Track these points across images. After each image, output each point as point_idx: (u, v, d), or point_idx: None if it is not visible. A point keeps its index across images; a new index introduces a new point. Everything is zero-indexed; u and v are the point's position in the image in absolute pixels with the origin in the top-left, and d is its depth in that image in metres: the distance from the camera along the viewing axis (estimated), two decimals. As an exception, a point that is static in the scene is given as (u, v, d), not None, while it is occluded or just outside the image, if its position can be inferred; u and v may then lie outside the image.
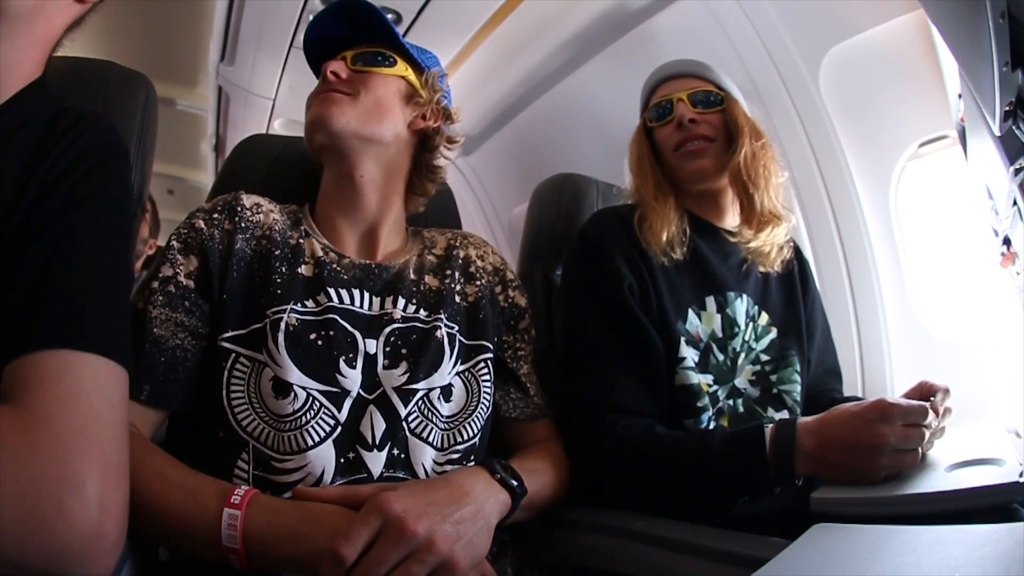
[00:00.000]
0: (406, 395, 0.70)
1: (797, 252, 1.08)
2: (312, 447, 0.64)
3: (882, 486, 0.65)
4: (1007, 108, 0.60)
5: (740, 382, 0.93)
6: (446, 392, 0.74)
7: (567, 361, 0.90)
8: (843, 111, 1.34)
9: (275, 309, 0.70)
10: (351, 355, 0.70)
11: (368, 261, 0.79)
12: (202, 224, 0.73)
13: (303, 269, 0.75)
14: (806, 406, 0.96)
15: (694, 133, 0.95)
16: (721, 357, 0.91)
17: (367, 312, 0.75)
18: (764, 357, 0.95)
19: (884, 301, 1.34)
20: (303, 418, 0.65)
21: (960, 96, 0.95)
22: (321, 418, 0.66)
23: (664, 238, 0.91)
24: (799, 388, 0.95)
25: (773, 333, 0.97)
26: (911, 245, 1.34)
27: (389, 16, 0.81)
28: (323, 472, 0.64)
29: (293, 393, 0.66)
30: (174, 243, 0.72)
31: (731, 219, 1.01)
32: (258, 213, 0.77)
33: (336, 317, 0.71)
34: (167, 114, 1.74)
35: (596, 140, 1.79)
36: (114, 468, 0.46)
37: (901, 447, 0.66)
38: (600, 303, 0.89)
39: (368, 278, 0.77)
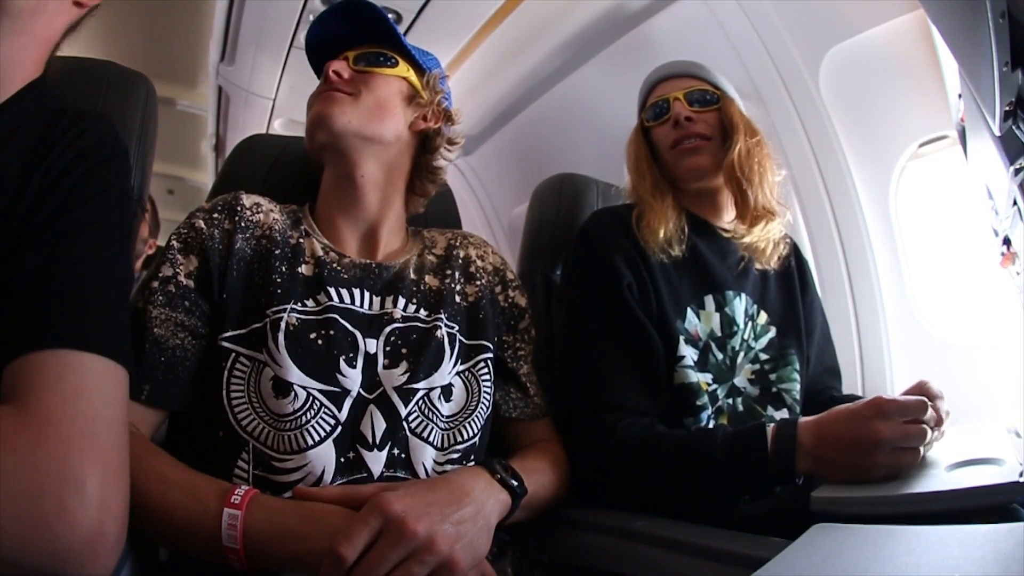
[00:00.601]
0: (406, 395, 0.70)
1: (796, 251, 1.08)
2: (312, 447, 0.64)
3: (882, 486, 0.65)
4: (1007, 108, 0.60)
5: (739, 381, 0.93)
6: (446, 392, 0.74)
7: (567, 361, 0.90)
8: (843, 111, 1.34)
9: (275, 309, 0.70)
10: (351, 355, 0.70)
11: (368, 261, 0.79)
12: (202, 224, 0.73)
13: (303, 268, 0.75)
14: (805, 405, 0.96)
15: (690, 131, 0.96)
16: (720, 356, 0.91)
17: (367, 312, 0.75)
18: (763, 356, 0.96)
19: (884, 301, 1.34)
20: (303, 418, 0.65)
21: (960, 96, 0.95)
22: (321, 418, 0.66)
23: (662, 235, 0.91)
24: (798, 387, 0.96)
25: (772, 332, 0.97)
26: (911, 245, 1.34)
27: (389, 16, 0.81)
28: (323, 472, 0.64)
29: (293, 393, 0.66)
30: (174, 243, 0.72)
31: (729, 218, 1.01)
32: (258, 213, 0.77)
33: (336, 316, 0.71)
34: (167, 114, 1.74)
35: (596, 140, 1.79)
36: (114, 468, 0.46)
37: (899, 444, 0.66)
38: (600, 303, 0.89)
39: (368, 278, 0.77)
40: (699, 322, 0.92)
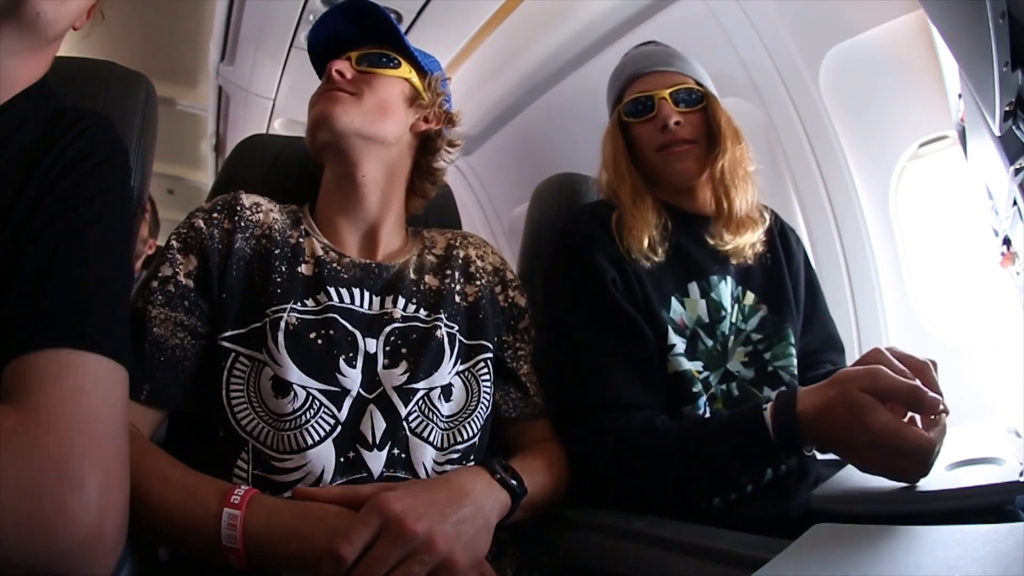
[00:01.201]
0: (406, 395, 0.70)
1: (778, 222, 1.06)
2: (312, 446, 0.64)
3: (882, 485, 0.65)
4: (1007, 108, 0.60)
5: (733, 365, 0.92)
6: (446, 392, 0.74)
7: (557, 363, 0.89)
8: (843, 111, 1.34)
9: (275, 308, 0.69)
10: (351, 354, 0.70)
11: (368, 261, 0.79)
12: (201, 224, 0.73)
13: (303, 268, 0.75)
14: (805, 383, 0.94)
15: (678, 136, 0.94)
16: (710, 342, 0.90)
17: (367, 311, 0.75)
18: (756, 336, 0.94)
19: (884, 301, 1.35)
20: (303, 417, 0.65)
21: (960, 96, 0.95)
22: (321, 417, 0.66)
23: (645, 243, 0.90)
24: (795, 362, 0.94)
25: (763, 310, 0.96)
26: (911, 245, 1.34)
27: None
28: (323, 471, 0.64)
29: (293, 392, 0.66)
30: (174, 243, 0.72)
31: (705, 205, 0.99)
32: (257, 212, 0.77)
33: (336, 316, 0.71)
34: (167, 114, 1.74)
35: (596, 140, 1.78)
36: (114, 468, 0.46)
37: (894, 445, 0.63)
38: (586, 301, 0.88)
39: (368, 277, 0.77)
40: (684, 310, 0.91)
